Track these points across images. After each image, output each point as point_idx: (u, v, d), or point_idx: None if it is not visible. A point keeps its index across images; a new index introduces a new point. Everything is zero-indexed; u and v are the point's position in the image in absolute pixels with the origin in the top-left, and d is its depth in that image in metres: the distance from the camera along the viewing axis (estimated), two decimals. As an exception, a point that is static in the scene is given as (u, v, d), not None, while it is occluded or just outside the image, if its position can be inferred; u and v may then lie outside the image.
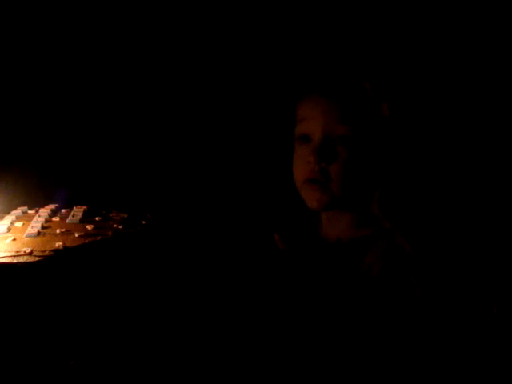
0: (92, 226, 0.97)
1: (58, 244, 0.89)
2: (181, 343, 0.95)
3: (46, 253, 0.87)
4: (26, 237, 0.93)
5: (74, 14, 1.49)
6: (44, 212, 1.04)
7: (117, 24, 1.49)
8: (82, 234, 0.93)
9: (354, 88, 1.02)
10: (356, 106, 1.01)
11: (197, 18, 1.51)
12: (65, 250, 0.88)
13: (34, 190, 1.31)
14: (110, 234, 0.94)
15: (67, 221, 1.01)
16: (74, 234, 0.93)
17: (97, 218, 1.02)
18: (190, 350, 0.96)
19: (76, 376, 0.88)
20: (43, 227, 0.97)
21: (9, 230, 0.97)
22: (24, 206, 1.13)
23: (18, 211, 1.07)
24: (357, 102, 1.01)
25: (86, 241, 0.91)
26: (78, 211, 1.04)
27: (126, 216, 1.02)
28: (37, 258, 0.86)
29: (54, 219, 1.02)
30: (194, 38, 1.52)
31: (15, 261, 0.86)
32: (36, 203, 1.15)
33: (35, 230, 0.94)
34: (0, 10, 1.46)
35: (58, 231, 0.95)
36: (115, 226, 0.97)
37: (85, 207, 1.07)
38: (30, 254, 0.87)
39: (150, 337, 0.92)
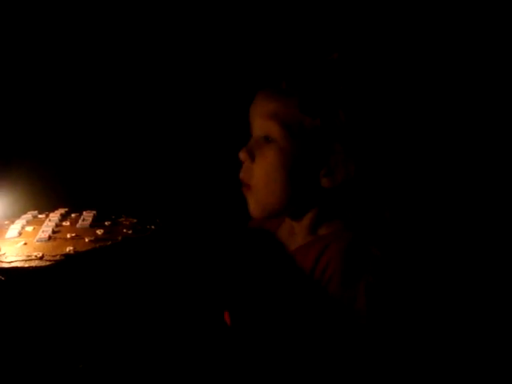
0: (102, 230, 0.97)
1: (69, 249, 0.90)
2: (190, 346, 0.95)
3: (57, 257, 0.88)
4: (37, 241, 0.94)
5: (74, 14, 1.50)
6: (54, 216, 1.05)
7: (116, 24, 1.50)
8: (92, 238, 0.94)
9: (308, 87, 0.98)
10: (302, 106, 0.97)
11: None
12: (75, 254, 0.89)
13: (43, 194, 1.32)
14: (119, 238, 0.95)
15: (77, 225, 1.01)
16: (84, 238, 0.94)
17: (106, 223, 1.02)
18: (198, 352, 0.96)
19: (85, 379, 0.88)
20: (54, 232, 0.98)
21: (20, 234, 0.98)
22: (34, 210, 1.13)
23: (29, 215, 1.08)
24: (306, 101, 0.97)
25: (97, 245, 0.92)
26: (87, 216, 1.05)
27: (135, 221, 1.03)
28: (48, 263, 0.87)
29: (64, 224, 1.03)
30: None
31: (26, 265, 0.87)
32: (46, 207, 1.16)
33: (46, 235, 0.95)
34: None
35: (68, 236, 0.96)
36: (125, 230, 0.98)
37: (94, 212, 1.08)
38: (41, 258, 0.88)
39: (160, 341, 0.93)
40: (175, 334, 0.95)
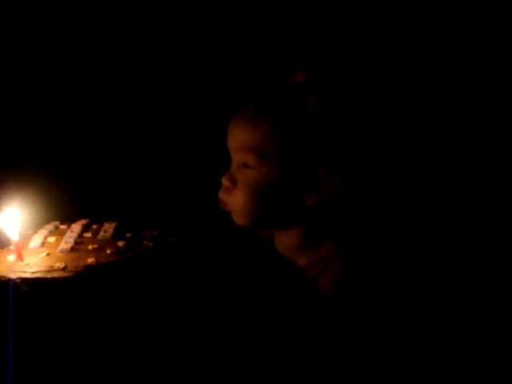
0: (123, 242, 0.98)
1: (91, 260, 0.91)
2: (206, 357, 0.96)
3: (79, 268, 0.89)
4: (60, 252, 0.95)
5: (75, 14, 1.51)
6: (76, 227, 1.06)
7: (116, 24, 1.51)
8: (113, 250, 0.95)
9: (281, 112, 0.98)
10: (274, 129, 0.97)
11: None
12: (97, 265, 0.90)
13: (63, 205, 1.34)
14: (141, 250, 0.96)
15: (99, 237, 1.02)
16: (105, 250, 0.95)
17: (127, 235, 1.03)
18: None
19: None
20: (76, 243, 0.99)
21: (42, 244, 0.99)
22: (55, 220, 1.15)
23: (50, 226, 1.09)
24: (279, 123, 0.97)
25: (118, 257, 0.93)
26: (108, 227, 1.06)
27: (156, 233, 1.04)
28: (70, 274, 0.88)
29: (85, 235, 1.04)
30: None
31: (49, 276, 0.88)
32: (66, 218, 1.17)
33: (68, 246, 0.97)
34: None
35: (90, 247, 0.97)
36: (146, 242, 0.99)
37: (115, 223, 1.09)
38: (64, 269, 0.89)
39: (180, 352, 0.93)
40: (194, 344, 0.95)
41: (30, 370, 0.87)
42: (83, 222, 1.11)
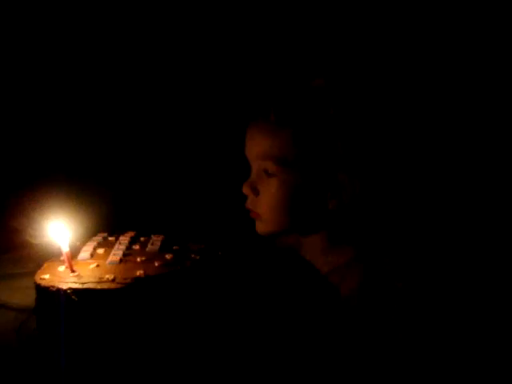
0: (171, 255, 0.99)
1: (140, 272, 0.92)
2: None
3: (128, 280, 0.90)
4: (109, 264, 0.96)
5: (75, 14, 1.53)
6: (124, 240, 1.08)
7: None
8: (161, 263, 0.96)
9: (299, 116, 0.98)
10: (294, 138, 0.98)
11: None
12: (146, 278, 0.91)
13: (111, 216, 1.36)
14: (188, 263, 0.96)
15: (147, 249, 1.03)
16: (153, 262, 0.96)
17: (174, 248, 1.04)
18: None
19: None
20: (124, 255, 1.00)
21: (92, 256, 1.01)
22: (103, 232, 1.16)
23: (99, 237, 1.11)
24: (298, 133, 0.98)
25: (166, 270, 0.94)
26: (156, 240, 1.07)
27: (202, 246, 1.04)
28: (119, 285, 0.89)
29: (133, 247, 1.05)
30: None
31: (99, 287, 0.89)
32: (113, 229, 1.19)
33: (117, 258, 0.98)
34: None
35: (138, 259, 0.98)
36: (193, 256, 1.00)
37: (163, 236, 1.10)
38: (113, 281, 0.90)
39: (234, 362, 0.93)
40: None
41: (81, 377, 0.88)
42: (131, 234, 1.13)
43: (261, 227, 1.07)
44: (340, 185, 0.99)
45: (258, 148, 1.03)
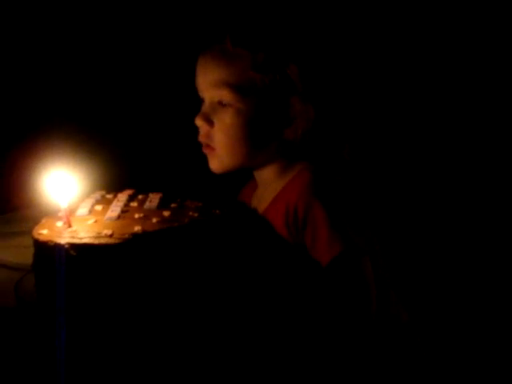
0: (169, 212, 0.99)
1: (137, 228, 0.92)
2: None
3: (126, 236, 0.90)
4: (107, 220, 0.97)
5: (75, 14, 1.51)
6: (122, 197, 1.08)
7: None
8: (159, 219, 0.96)
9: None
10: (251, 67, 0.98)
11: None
12: (143, 234, 0.91)
13: (109, 175, 1.36)
14: (186, 221, 0.96)
15: (144, 206, 1.03)
16: (151, 219, 0.96)
17: (172, 205, 1.04)
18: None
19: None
20: (122, 211, 1.00)
21: (90, 212, 1.01)
22: (101, 190, 1.16)
23: (97, 195, 1.11)
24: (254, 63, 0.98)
25: (164, 226, 0.94)
26: (154, 198, 1.07)
27: (200, 204, 1.04)
28: (117, 241, 0.89)
29: (131, 204, 1.05)
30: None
31: (96, 242, 0.89)
32: (111, 188, 1.18)
33: (115, 214, 0.98)
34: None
35: (136, 216, 0.98)
36: (191, 213, 1.00)
37: (161, 194, 1.10)
38: (111, 236, 0.90)
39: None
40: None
41: (79, 333, 0.89)
42: (129, 192, 1.12)
43: (215, 163, 1.06)
44: (295, 112, 0.99)
45: (212, 76, 1.01)
